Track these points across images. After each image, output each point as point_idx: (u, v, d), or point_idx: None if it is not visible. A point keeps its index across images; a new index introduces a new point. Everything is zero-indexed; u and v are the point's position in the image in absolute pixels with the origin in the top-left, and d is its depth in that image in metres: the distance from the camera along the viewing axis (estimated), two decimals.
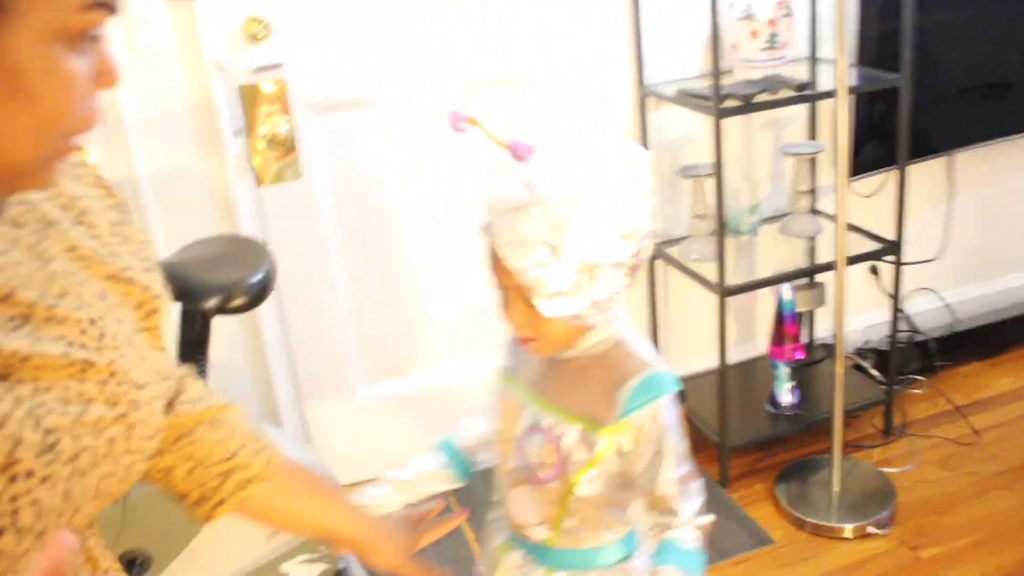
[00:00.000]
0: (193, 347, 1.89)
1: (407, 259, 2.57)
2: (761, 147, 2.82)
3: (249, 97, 2.23)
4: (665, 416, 1.24)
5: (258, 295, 1.88)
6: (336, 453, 2.41)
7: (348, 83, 2.40)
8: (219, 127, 2.26)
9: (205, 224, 2.29)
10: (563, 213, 1.14)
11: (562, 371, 1.29)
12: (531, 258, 1.16)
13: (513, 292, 1.22)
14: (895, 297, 2.71)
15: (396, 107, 2.44)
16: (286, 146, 2.26)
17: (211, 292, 1.82)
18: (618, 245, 1.17)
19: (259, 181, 2.29)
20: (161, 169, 2.27)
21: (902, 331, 2.98)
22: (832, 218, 2.61)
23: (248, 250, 1.97)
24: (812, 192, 2.71)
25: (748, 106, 2.37)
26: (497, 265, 1.22)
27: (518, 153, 1.22)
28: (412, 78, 2.42)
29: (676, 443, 1.27)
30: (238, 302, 1.86)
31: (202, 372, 1.94)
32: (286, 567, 2.17)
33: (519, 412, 1.33)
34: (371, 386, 2.65)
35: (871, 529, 2.39)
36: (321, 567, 2.20)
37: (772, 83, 2.43)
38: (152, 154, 2.25)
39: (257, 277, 1.88)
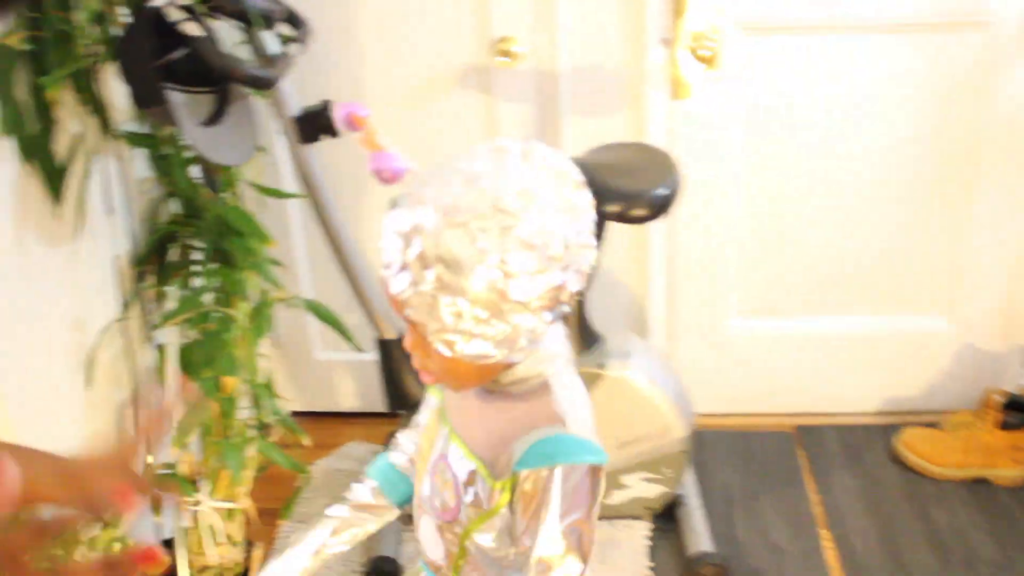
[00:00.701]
0: None
1: (806, 199, 2.45)
2: None
3: (679, 8, 2.18)
4: (552, 486, 1.02)
5: (660, 209, 1.86)
6: (692, 378, 2.37)
7: (789, 8, 2.28)
8: (645, 34, 2.25)
9: (614, 128, 2.31)
10: (451, 243, 0.93)
11: (478, 402, 1.10)
12: (416, 291, 0.96)
13: (408, 322, 1.02)
14: None
15: (832, 38, 2.30)
16: (709, 63, 2.20)
17: (615, 198, 1.83)
18: (525, 282, 0.94)
19: (674, 94, 2.26)
20: (584, 68, 2.31)
21: None
22: None
23: (658, 162, 1.96)
24: None
25: None
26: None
27: (381, 173, 1.03)
28: (855, 11, 2.27)
29: (555, 520, 1.03)
30: (639, 212, 1.86)
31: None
32: (626, 479, 2.20)
33: (436, 434, 1.16)
34: (744, 320, 2.58)
35: None
36: (661, 489, 2.21)
37: None
38: (578, 52, 2.29)
39: (663, 191, 1.86)
